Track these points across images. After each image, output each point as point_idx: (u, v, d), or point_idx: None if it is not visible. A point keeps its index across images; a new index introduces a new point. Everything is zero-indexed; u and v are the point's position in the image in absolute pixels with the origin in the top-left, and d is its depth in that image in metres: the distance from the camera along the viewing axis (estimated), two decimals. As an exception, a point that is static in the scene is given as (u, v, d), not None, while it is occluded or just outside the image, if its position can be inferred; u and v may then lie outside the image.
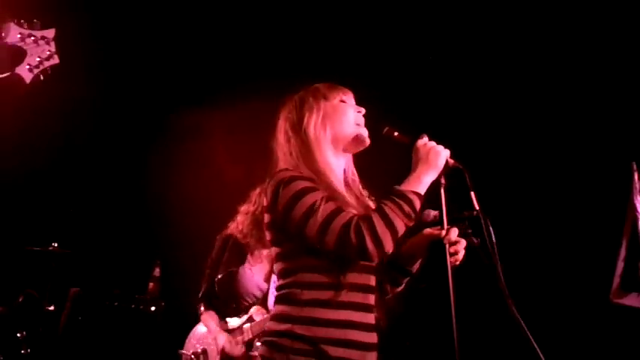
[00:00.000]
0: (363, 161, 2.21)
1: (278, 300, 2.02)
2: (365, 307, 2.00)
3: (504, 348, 3.94)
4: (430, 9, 4.39)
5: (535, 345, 1.86)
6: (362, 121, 2.12)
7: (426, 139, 2.02)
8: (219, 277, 3.62)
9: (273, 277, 3.57)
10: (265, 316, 3.49)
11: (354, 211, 1.95)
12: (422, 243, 2.10)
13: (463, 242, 2.00)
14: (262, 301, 3.58)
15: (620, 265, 3.72)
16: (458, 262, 1.99)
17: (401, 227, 1.89)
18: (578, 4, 4.02)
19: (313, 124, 2.07)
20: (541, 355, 1.87)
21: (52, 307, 4.43)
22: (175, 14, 4.68)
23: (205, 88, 4.90)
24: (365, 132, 2.11)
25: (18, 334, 4.21)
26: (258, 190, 3.63)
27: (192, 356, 3.55)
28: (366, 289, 2.00)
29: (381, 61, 4.46)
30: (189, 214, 4.82)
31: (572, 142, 4.10)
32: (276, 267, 2.05)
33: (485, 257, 1.97)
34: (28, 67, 2.11)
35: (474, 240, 2.04)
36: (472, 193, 1.98)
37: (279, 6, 4.55)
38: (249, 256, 3.63)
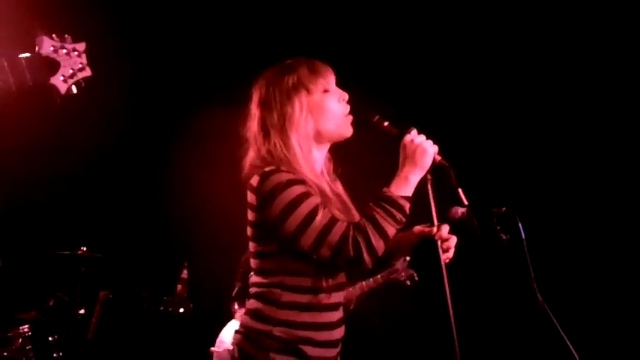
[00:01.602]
0: (344, 146, 2.13)
1: (255, 296, 2.02)
2: (339, 306, 2.05)
3: (502, 345, 3.98)
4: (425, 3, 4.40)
5: (568, 342, 1.86)
6: (347, 109, 2.05)
7: (414, 132, 1.98)
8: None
9: None
10: None
11: (342, 216, 1.96)
12: (410, 240, 2.11)
13: (454, 239, 2.00)
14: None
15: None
16: (449, 260, 1.99)
17: (392, 234, 1.91)
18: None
19: (297, 121, 1.99)
20: (575, 355, 1.89)
21: (82, 311, 4.49)
22: (196, 15, 4.71)
23: (230, 88, 4.93)
24: (348, 123, 2.04)
25: (49, 338, 4.25)
26: None
27: (226, 353, 3.58)
28: (342, 287, 2.05)
29: (379, 54, 4.48)
30: (215, 216, 4.77)
31: (599, 140, 4.10)
32: (254, 263, 2.04)
33: (515, 254, 1.99)
34: (62, 78, 2.15)
35: (503, 236, 2.05)
36: (459, 190, 1.98)
37: (294, 6, 4.58)
38: None
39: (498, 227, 2.07)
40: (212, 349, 3.74)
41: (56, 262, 4.57)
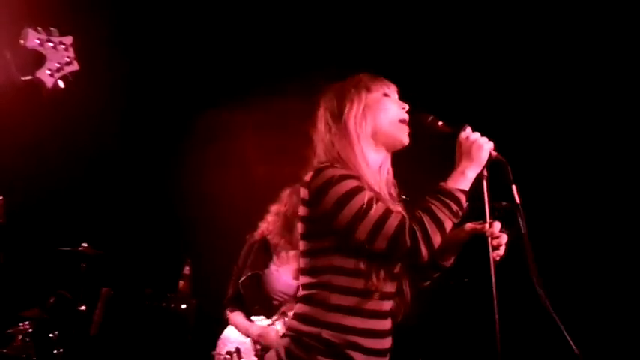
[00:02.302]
0: (402, 156, 2.19)
1: (303, 299, 2.02)
2: (388, 315, 2.04)
3: (545, 346, 3.98)
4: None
5: (568, 336, 1.88)
6: (405, 117, 2.09)
7: (469, 130, 2.02)
8: (243, 279, 3.70)
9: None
10: None
11: (398, 209, 1.97)
12: (461, 237, 2.09)
13: (505, 237, 2.00)
14: (294, 297, 3.62)
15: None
16: (499, 257, 1.99)
17: (449, 227, 1.92)
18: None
19: (354, 115, 2.04)
20: (574, 346, 1.91)
21: (84, 307, 4.50)
22: (202, 14, 4.73)
23: (233, 88, 4.93)
24: (405, 130, 2.09)
25: (51, 335, 4.29)
26: (288, 191, 3.73)
27: (227, 355, 3.61)
28: (390, 296, 2.03)
29: (414, 53, 4.46)
30: (218, 212, 4.87)
31: (608, 139, 4.11)
32: (303, 263, 2.04)
33: (519, 250, 2.00)
34: (48, 71, 2.15)
35: (505, 232, 2.05)
36: (513, 187, 1.98)
37: (306, 5, 4.58)
38: (275, 258, 3.73)
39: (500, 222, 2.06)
40: (213, 352, 3.75)
41: (58, 258, 4.58)
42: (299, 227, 2.06)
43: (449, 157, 2.01)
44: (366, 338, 1.96)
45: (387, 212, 1.90)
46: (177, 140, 5.10)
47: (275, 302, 3.67)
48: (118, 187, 5.17)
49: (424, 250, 1.87)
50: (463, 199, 1.93)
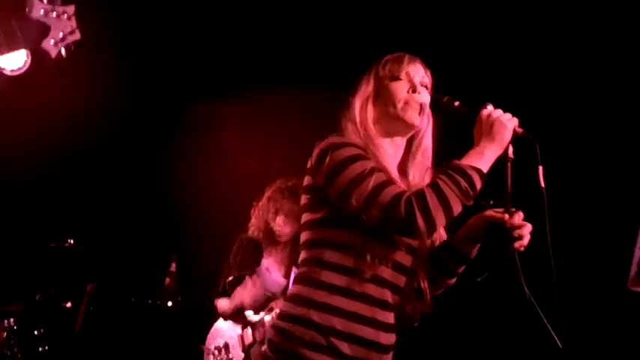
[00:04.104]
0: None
1: (297, 280, 1.94)
2: (389, 306, 1.91)
3: (490, 338, 4.03)
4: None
5: (552, 331, 1.83)
6: (412, 99, 1.96)
7: (490, 107, 1.88)
8: (230, 279, 3.71)
9: (294, 270, 3.64)
10: None
11: (401, 184, 1.88)
12: (480, 226, 1.94)
13: (529, 227, 1.85)
14: (282, 294, 3.66)
15: (638, 252, 3.77)
16: (523, 248, 1.84)
17: (456, 204, 1.76)
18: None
19: (360, 99, 2.00)
20: (558, 341, 1.85)
21: (69, 304, 4.51)
22: (192, 7, 4.71)
23: (220, 81, 4.91)
24: (413, 114, 1.96)
25: (35, 332, 4.26)
26: (273, 187, 3.74)
27: (215, 350, 3.63)
28: (392, 286, 1.91)
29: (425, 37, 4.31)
30: (205, 208, 4.86)
31: (592, 129, 4.04)
32: (304, 237, 1.96)
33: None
34: (53, 41, 2.15)
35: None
36: (540, 168, 1.82)
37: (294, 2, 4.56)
38: (264, 255, 3.75)
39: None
40: (202, 346, 3.79)
41: (43, 254, 4.60)
42: (302, 199, 1.98)
43: (470, 140, 1.88)
44: (357, 324, 1.84)
45: (386, 182, 1.79)
46: (163, 135, 5.08)
47: (265, 299, 3.67)
48: (104, 182, 5.16)
49: (421, 223, 1.72)
50: (476, 177, 1.77)
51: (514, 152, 1.86)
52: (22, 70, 2.39)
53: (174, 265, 4.46)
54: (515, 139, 1.85)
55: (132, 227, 5.15)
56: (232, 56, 4.88)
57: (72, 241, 4.55)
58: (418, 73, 2.01)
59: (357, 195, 1.78)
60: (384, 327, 1.90)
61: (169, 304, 4.49)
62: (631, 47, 3.91)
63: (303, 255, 1.95)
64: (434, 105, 1.98)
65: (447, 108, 1.96)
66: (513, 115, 1.87)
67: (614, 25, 3.93)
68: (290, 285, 3.64)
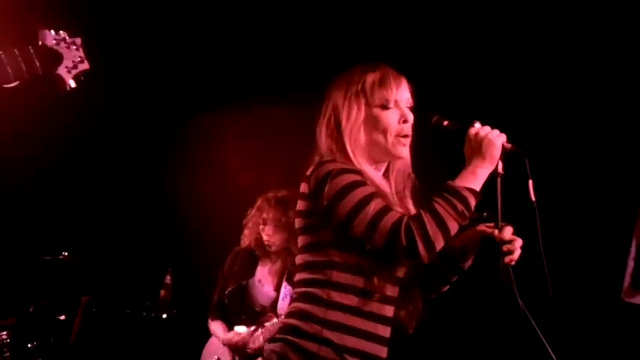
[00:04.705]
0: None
1: (301, 297, 1.95)
2: (387, 320, 1.97)
3: (483, 349, 4.02)
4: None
5: (546, 343, 1.86)
6: (405, 132, 1.99)
7: (478, 125, 1.92)
8: (230, 289, 3.74)
9: (284, 284, 3.69)
10: (275, 321, 3.61)
11: (401, 210, 1.91)
12: (474, 238, 2.00)
13: (519, 241, 1.90)
14: (271, 308, 3.70)
15: (631, 264, 3.79)
16: (513, 263, 1.89)
17: (453, 227, 1.82)
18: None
19: (350, 128, 1.97)
20: (552, 353, 1.88)
21: (63, 317, 4.50)
22: (190, 19, 4.73)
23: (217, 93, 4.94)
24: (403, 149, 2.00)
25: (29, 345, 4.25)
26: (262, 197, 3.78)
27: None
28: (392, 301, 1.97)
29: (411, 50, 4.32)
30: (202, 220, 4.87)
31: (581, 135, 4.06)
32: (301, 258, 1.98)
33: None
34: (66, 69, 2.27)
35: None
36: (530, 182, 1.88)
37: (293, 12, 4.57)
38: (258, 267, 3.77)
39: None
40: None
41: (37, 267, 4.59)
42: (296, 222, 2.00)
43: (460, 159, 1.92)
44: (367, 342, 1.91)
45: (386, 208, 1.84)
46: (159, 147, 5.09)
47: (256, 311, 3.71)
48: (100, 195, 5.17)
49: (422, 250, 1.78)
50: (471, 198, 1.83)
51: (504, 167, 1.91)
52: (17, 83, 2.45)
53: (169, 277, 4.45)
54: (505, 155, 1.90)
55: (127, 239, 5.15)
56: (231, 68, 4.91)
57: (66, 254, 4.55)
58: (405, 95, 2.02)
59: (358, 223, 1.83)
60: (385, 342, 1.97)
61: (164, 316, 4.50)
62: (617, 63, 3.96)
63: (306, 275, 1.96)
64: (422, 122, 2.01)
65: (436, 127, 1.99)
66: (501, 131, 1.91)
67: (601, 40, 3.98)
68: (280, 299, 3.67)
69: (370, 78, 2.01)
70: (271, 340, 1.98)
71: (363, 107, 1.99)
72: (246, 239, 3.76)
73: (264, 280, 3.76)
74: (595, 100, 4.03)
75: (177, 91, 5.06)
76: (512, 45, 4.19)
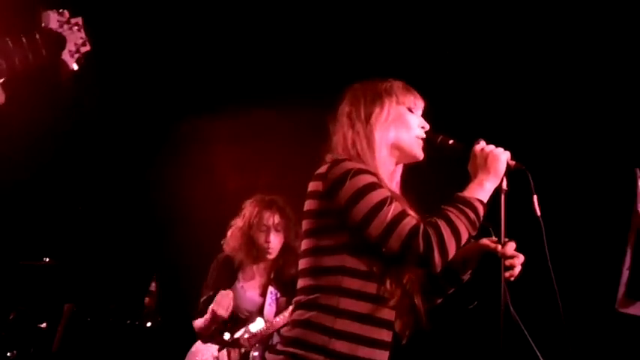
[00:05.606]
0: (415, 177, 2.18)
1: (304, 305, 1.92)
2: (390, 325, 1.98)
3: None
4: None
5: (539, 353, 1.90)
6: (422, 136, 2.08)
7: (482, 143, 1.99)
8: (204, 298, 3.69)
9: (270, 289, 3.67)
10: (262, 326, 3.58)
11: (414, 214, 1.92)
12: (476, 251, 2.04)
13: (521, 257, 1.96)
14: (258, 314, 3.66)
15: (626, 273, 3.76)
16: (513, 278, 1.94)
17: (465, 236, 1.86)
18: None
19: (382, 122, 2.03)
20: None
21: (44, 325, 4.47)
22: (180, 24, 4.74)
23: (207, 98, 4.94)
24: (420, 151, 2.08)
25: (8, 354, 4.24)
26: (248, 203, 3.74)
27: None
28: (396, 307, 1.97)
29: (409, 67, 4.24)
30: (188, 225, 4.86)
31: (574, 147, 4.12)
32: (306, 263, 1.95)
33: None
34: (69, 52, 2.22)
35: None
36: (534, 197, 1.94)
37: (283, 16, 4.58)
38: (240, 274, 3.74)
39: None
40: None
41: (18, 273, 4.55)
42: (304, 224, 1.98)
43: (463, 177, 1.98)
44: (377, 350, 1.91)
45: (403, 213, 1.85)
46: (145, 152, 5.08)
47: (241, 317, 3.68)
48: (83, 200, 5.14)
49: (437, 258, 1.80)
50: (481, 209, 1.88)
51: (508, 184, 1.97)
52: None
53: (154, 284, 4.40)
54: (509, 172, 1.96)
55: (111, 245, 5.12)
56: (221, 73, 4.91)
57: (48, 259, 4.53)
58: (422, 106, 2.13)
59: (375, 226, 1.84)
60: (388, 347, 1.98)
61: (149, 324, 4.47)
62: (618, 75, 4.01)
63: (310, 282, 1.93)
64: (427, 145, 2.08)
65: (441, 147, 2.06)
66: (505, 149, 1.98)
67: (603, 58, 4.04)
68: (267, 305, 3.65)
69: (397, 83, 2.11)
70: (272, 351, 1.99)
71: (393, 104, 2.06)
72: (232, 247, 3.71)
73: (247, 287, 3.73)
74: (593, 117, 4.09)
75: (166, 95, 5.06)
76: (516, 65, 4.26)
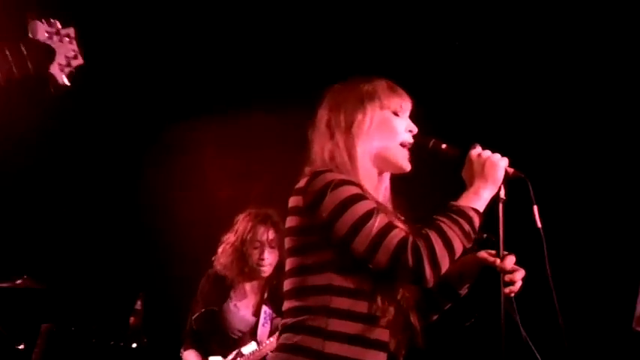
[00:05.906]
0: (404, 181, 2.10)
1: (291, 328, 1.86)
2: (385, 346, 1.90)
3: None
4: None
5: None
6: (408, 140, 1.99)
7: (479, 148, 1.92)
8: (196, 315, 3.65)
9: (264, 308, 3.59)
10: (255, 349, 3.51)
11: (402, 226, 1.86)
12: (474, 265, 1.97)
13: (521, 272, 1.89)
14: (250, 334, 3.57)
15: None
16: (513, 294, 1.88)
17: (459, 249, 1.78)
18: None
19: (364, 131, 1.94)
20: None
21: (21, 346, 4.36)
22: (170, 29, 4.74)
23: (197, 106, 4.92)
24: (406, 156, 1.99)
25: None
26: (241, 217, 3.67)
27: None
28: (389, 324, 1.89)
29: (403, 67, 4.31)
30: (176, 241, 4.79)
31: (577, 153, 4.09)
32: (291, 283, 1.90)
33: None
34: (59, 66, 2.14)
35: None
36: (535, 207, 1.88)
37: (273, 20, 4.59)
38: (232, 292, 3.66)
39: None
40: None
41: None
42: (287, 241, 1.93)
43: (457, 184, 1.91)
44: None
45: (390, 225, 1.78)
46: (130, 164, 5.03)
47: (233, 337, 3.59)
48: (64, 215, 5.07)
49: (428, 272, 1.73)
50: (476, 219, 1.81)
51: (506, 193, 1.91)
52: None
53: (139, 302, 4.31)
54: (507, 180, 1.90)
55: (94, 262, 5.05)
56: (212, 79, 4.90)
57: (27, 278, 4.39)
58: (409, 107, 2.04)
59: (360, 240, 1.77)
60: None
61: (134, 345, 4.36)
62: (622, 89, 4.01)
63: (296, 303, 1.87)
64: (418, 150, 2.00)
65: (434, 152, 1.97)
66: (503, 155, 1.91)
67: (603, 65, 4.04)
68: (260, 325, 3.57)
69: (380, 84, 2.01)
70: None
71: (377, 109, 1.97)
72: (223, 264, 3.63)
73: (240, 306, 3.64)
74: (601, 126, 4.08)
75: (155, 101, 5.05)
76: (513, 70, 4.26)
